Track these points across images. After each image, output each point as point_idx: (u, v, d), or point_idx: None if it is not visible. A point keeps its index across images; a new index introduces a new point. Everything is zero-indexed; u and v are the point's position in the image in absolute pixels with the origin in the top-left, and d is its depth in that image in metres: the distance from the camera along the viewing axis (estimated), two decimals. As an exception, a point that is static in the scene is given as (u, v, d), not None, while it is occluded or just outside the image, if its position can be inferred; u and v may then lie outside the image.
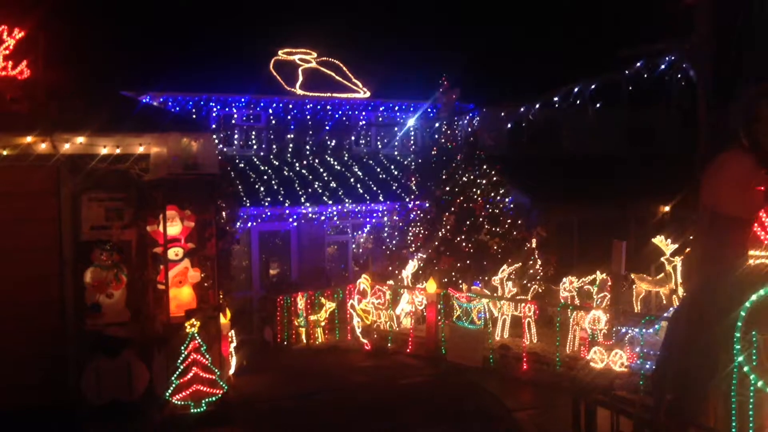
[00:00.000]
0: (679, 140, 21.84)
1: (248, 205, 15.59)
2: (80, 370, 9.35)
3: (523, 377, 11.40)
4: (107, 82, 12.76)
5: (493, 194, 15.61)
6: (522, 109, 14.63)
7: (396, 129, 19.71)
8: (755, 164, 6.21)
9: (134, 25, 19.11)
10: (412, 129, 19.78)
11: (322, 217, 16.75)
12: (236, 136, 17.99)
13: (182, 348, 9.06)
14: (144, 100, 15.37)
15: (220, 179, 10.52)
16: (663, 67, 11.19)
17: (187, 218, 9.83)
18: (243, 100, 17.65)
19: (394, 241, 16.51)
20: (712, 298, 6.23)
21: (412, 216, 16.12)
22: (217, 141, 14.65)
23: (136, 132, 9.81)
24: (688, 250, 12.68)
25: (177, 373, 8.99)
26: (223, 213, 11.95)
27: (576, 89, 12.82)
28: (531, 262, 15.12)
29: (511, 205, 16.23)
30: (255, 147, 18.11)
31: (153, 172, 9.81)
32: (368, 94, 19.01)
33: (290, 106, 18.22)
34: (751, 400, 5.68)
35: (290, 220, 16.48)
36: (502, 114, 15.55)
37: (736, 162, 6.39)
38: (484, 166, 15.72)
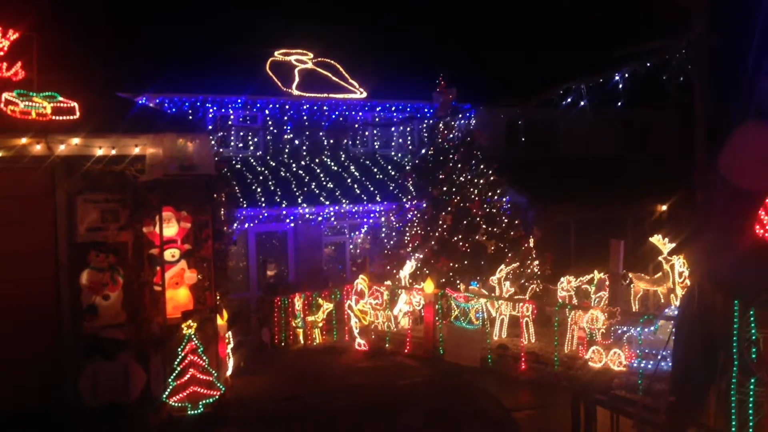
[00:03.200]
0: (677, 139, 21.92)
1: (245, 206, 15.56)
2: (77, 372, 9.31)
3: (522, 377, 11.37)
4: (103, 83, 12.70)
5: (490, 194, 15.58)
6: (519, 109, 14.61)
7: (393, 129, 19.68)
8: None
9: (130, 26, 19.07)
10: (408, 129, 19.75)
11: (320, 218, 16.72)
12: (233, 137, 17.95)
13: (179, 350, 9.03)
14: (140, 101, 15.32)
15: (216, 180, 10.49)
16: (660, 66, 11.18)
17: (184, 219, 9.79)
18: (239, 100, 17.61)
19: (391, 242, 16.48)
20: (721, 279, 6.08)
21: (409, 216, 16.10)
22: (213, 142, 14.61)
23: (132, 133, 9.77)
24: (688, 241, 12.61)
25: (174, 374, 8.95)
26: (220, 214, 11.92)
27: (573, 89, 12.80)
28: (528, 262, 15.10)
29: (508, 205, 16.22)
30: (251, 148, 18.07)
31: (149, 173, 9.77)
32: (365, 94, 18.99)
33: (287, 106, 18.18)
34: (751, 399, 5.66)
35: (287, 220, 16.44)
36: (500, 116, 15.54)
37: (760, 133, 6.24)
38: (481, 166, 15.70)
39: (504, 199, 16.03)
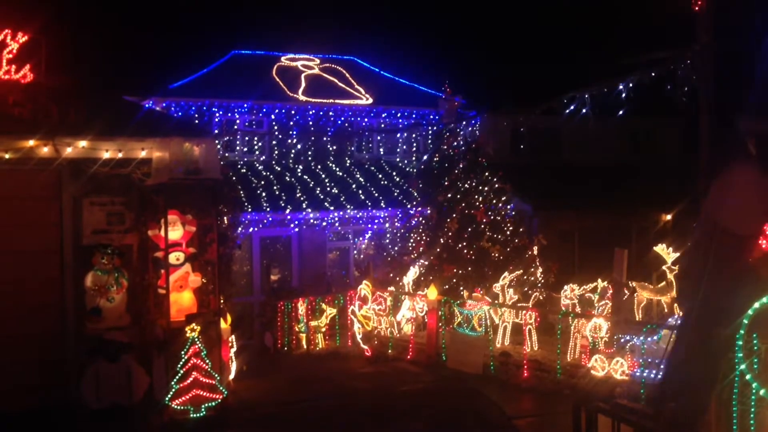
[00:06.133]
0: (681, 148, 21.91)
1: (250, 210, 15.58)
2: (80, 373, 9.34)
3: (524, 385, 11.37)
4: (110, 87, 12.78)
5: (494, 201, 15.60)
6: (523, 117, 14.64)
7: (398, 135, 19.73)
8: (764, 177, 5.99)
9: (137, 29, 19.17)
10: (414, 135, 19.80)
11: (324, 223, 16.75)
12: (238, 142, 18.01)
13: (182, 352, 9.05)
14: (147, 105, 15.39)
15: (221, 184, 10.53)
16: (665, 75, 11.20)
17: (189, 223, 9.84)
18: (245, 105, 17.66)
19: (395, 248, 16.49)
20: (715, 314, 6.11)
21: (413, 222, 16.12)
22: (219, 146, 14.66)
23: (138, 136, 9.82)
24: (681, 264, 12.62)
25: (177, 377, 8.97)
26: (225, 218, 11.96)
27: (577, 97, 12.83)
28: (532, 270, 15.10)
29: (513, 213, 16.22)
30: (257, 152, 18.12)
31: (155, 177, 9.82)
32: (371, 100, 19.04)
33: (293, 112, 18.24)
34: (752, 409, 5.66)
35: (292, 225, 16.47)
36: (504, 123, 15.56)
37: (747, 177, 6.15)
38: (486, 173, 15.72)
39: (509, 207, 16.04)
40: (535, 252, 15.56)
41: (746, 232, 6.08)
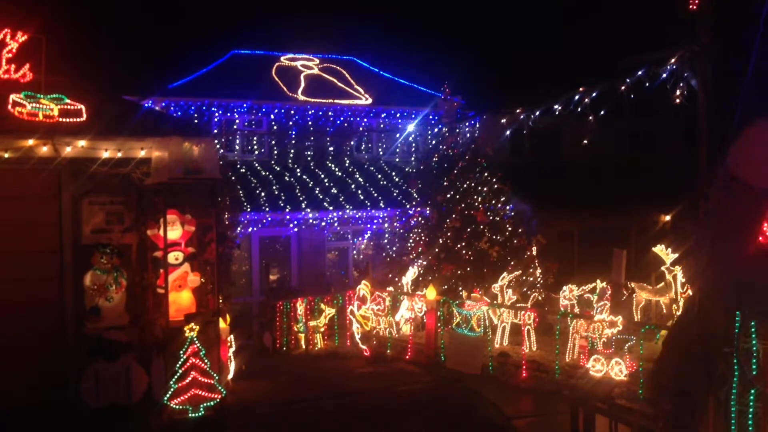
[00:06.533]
0: (680, 149, 21.95)
1: (249, 210, 15.60)
2: (79, 373, 9.34)
3: (522, 385, 11.37)
4: (109, 86, 12.76)
5: (493, 201, 15.60)
6: (523, 117, 14.65)
7: (397, 135, 19.75)
8: None
9: (137, 29, 19.18)
10: (413, 136, 19.82)
11: (323, 223, 16.76)
12: (238, 142, 18.01)
13: (181, 352, 9.05)
14: (146, 105, 15.40)
15: (221, 184, 10.53)
16: (664, 75, 11.22)
17: (188, 223, 9.84)
18: (245, 105, 17.67)
19: (394, 248, 16.49)
20: (722, 287, 6.01)
21: (412, 223, 16.12)
22: (218, 146, 14.67)
23: (137, 136, 9.82)
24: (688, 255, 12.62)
25: (175, 377, 8.98)
26: (224, 218, 11.97)
27: (577, 97, 12.85)
28: (531, 270, 15.11)
29: (512, 213, 16.23)
30: (256, 152, 18.14)
31: (154, 177, 9.82)
32: (370, 100, 19.05)
33: (292, 111, 18.26)
34: (751, 410, 5.67)
35: (291, 225, 16.48)
36: (503, 121, 15.56)
37: None
38: (486, 173, 15.72)
39: (508, 207, 16.04)
40: (534, 252, 15.57)
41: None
